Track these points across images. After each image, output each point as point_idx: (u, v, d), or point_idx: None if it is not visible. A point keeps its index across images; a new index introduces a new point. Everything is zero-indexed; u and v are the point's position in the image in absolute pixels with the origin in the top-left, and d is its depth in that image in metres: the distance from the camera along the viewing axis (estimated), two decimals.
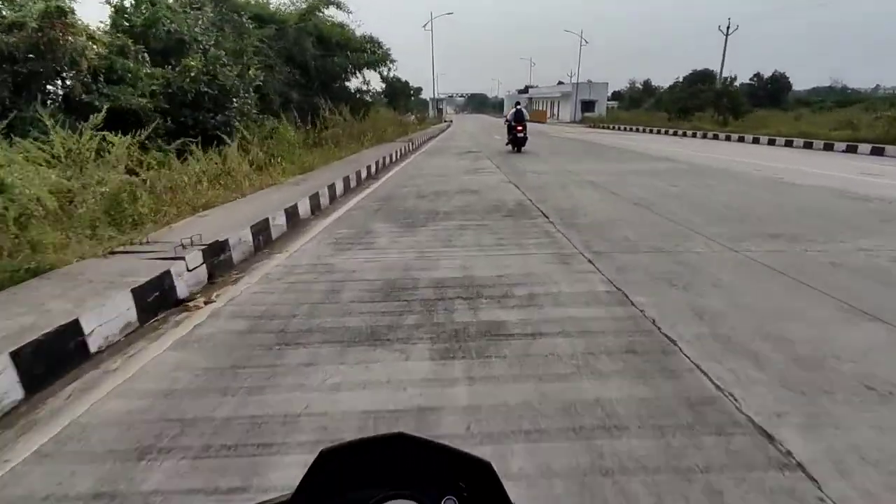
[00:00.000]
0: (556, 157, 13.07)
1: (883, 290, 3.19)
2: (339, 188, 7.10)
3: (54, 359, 2.30)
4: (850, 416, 1.89)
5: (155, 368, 2.40)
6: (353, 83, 17.51)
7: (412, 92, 40.26)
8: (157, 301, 3.06)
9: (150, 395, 2.15)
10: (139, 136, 6.36)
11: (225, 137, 9.12)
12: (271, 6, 14.54)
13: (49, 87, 6.73)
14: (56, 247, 3.36)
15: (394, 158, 12.11)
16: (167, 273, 3.18)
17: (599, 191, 7.25)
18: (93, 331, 2.52)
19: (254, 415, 1.98)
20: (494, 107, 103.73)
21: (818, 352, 2.40)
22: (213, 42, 10.32)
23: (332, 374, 2.30)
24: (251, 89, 10.46)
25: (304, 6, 14.92)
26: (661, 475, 1.60)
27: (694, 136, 22.21)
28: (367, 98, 18.50)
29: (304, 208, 5.61)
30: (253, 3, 13.44)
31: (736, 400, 2.01)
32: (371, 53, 16.69)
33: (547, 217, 5.50)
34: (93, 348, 2.52)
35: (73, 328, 2.42)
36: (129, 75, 7.74)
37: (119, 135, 5.98)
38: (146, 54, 8.26)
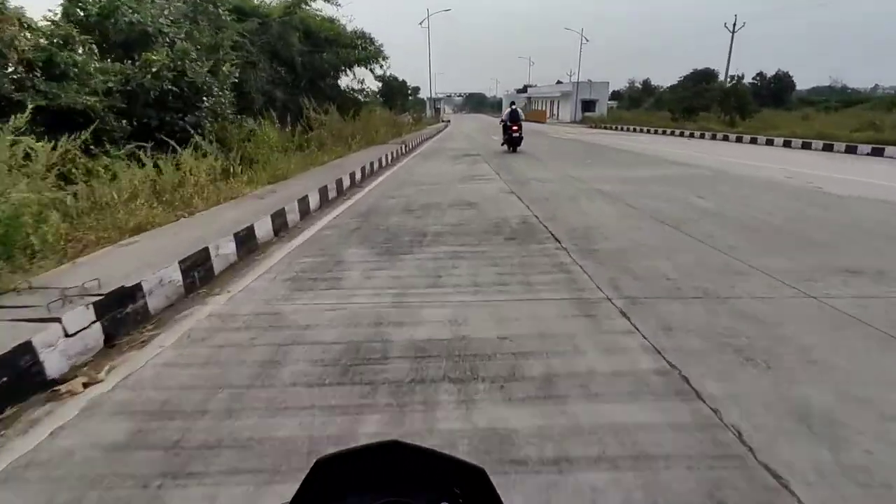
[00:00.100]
0: (560, 161, 12.09)
1: None
2: (314, 201, 6.12)
3: None
4: None
5: None
6: (344, 81, 16.55)
7: (410, 91, 39.27)
8: (4, 390, 2.10)
9: None
10: (77, 139, 5.42)
11: (200, 140, 8.18)
12: None
13: None
14: None
15: (383, 163, 11.13)
16: (26, 345, 2.21)
17: (615, 204, 6.28)
18: None
19: None
20: (493, 106, 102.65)
21: None
22: (183, 35, 9.33)
23: None
24: (226, 87, 9.45)
25: None
26: None
27: (702, 136, 21.27)
28: (360, 97, 17.51)
29: (264, 230, 4.64)
30: None
31: None
32: (362, 50, 15.71)
33: (558, 241, 4.54)
34: None
35: None
36: (76, 70, 6.75)
37: (63, 139, 5.06)
38: (94, 46, 7.29)
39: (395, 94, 30.64)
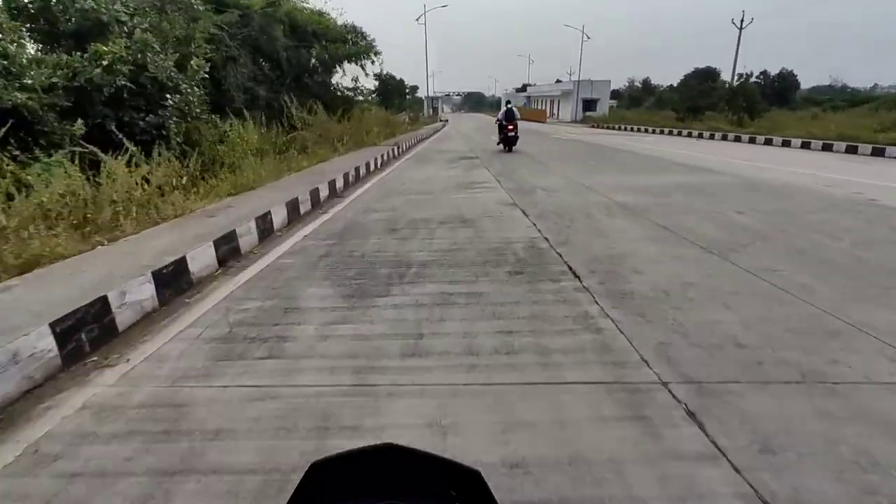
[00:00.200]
0: (567, 165, 11.08)
1: None
2: (279, 218, 5.12)
3: None
4: None
5: None
6: (335, 78, 15.54)
7: (408, 90, 38.27)
8: None
9: None
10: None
11: (175, 141, 7.26)
12: None
13: None
14: None
15: (371, 168, 10.13)
16: None
17: (638, 221, 5.29)
18: None
19: None
20: (492, 106, 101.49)
21: None
22: (146, 25, 8.34)
23: None
24: (195, 84, 8.43)
25: None
26: None
27: (711, 137, 20.30)
28: (353, 95, 16.48)
29: (203, 261, 3.65)
30: None
31: None
32: (353, 44, 14.71)
33: (577, 276, 3.55)
34: None
35: None
36: (4, 62, 5.78)
37: None
38: (30, 35, 6.32)
39: (393, 92, 29.74)
